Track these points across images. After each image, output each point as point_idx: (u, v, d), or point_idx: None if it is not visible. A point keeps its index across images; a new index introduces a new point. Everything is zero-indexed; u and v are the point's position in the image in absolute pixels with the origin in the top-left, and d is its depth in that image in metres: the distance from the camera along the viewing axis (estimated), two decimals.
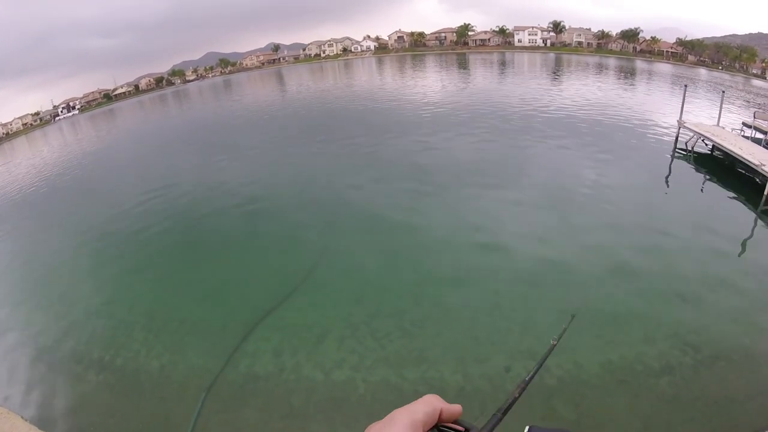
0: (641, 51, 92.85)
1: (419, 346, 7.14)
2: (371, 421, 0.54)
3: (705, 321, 7.22)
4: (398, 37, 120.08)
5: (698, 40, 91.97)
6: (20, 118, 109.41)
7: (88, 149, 37.16)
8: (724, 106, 17.64)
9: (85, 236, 14.26)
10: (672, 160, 16.05)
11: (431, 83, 44.35)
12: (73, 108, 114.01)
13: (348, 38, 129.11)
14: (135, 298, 9.90)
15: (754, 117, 17.17)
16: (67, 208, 18.40)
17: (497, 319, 7.56)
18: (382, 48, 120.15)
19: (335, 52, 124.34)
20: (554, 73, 51.97)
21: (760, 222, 11.04)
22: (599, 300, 7.93)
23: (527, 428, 0.61)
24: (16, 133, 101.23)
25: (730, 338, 6.76)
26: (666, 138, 18.61)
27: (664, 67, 69.51)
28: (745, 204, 12.12)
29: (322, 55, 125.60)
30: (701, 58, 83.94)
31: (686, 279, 8.49)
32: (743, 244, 9.91)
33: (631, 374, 6.02)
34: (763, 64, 73.60)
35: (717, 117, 17.31)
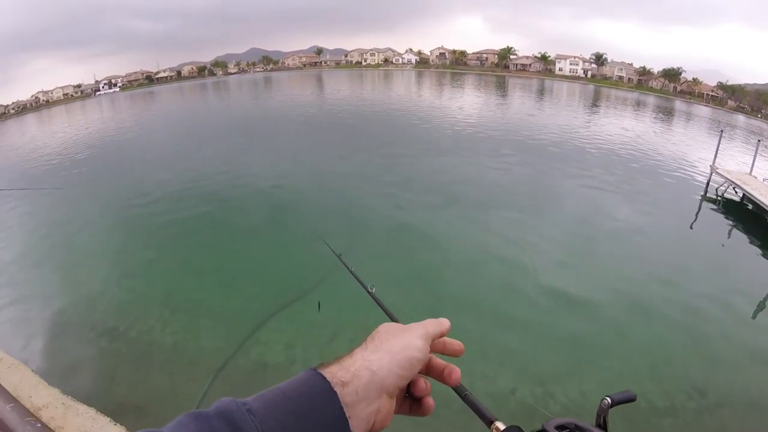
0: (681, 91, 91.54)
1: None
2: None
3: (714, 368, 7.14)
4: (440, 53, 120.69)
5: (739, 85, 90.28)
6: (62, 87, 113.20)
7: (126, 126, 38.45)
8: (759, 155, 17.32)
9: (114, 210, 14.81)
10: (701, 205, 15.82)
11: (469, 103, 44.47)
12: (115, 85, 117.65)
13: (390, 49, 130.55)
14: (155, 274, 10.22)
15: None
16: (99, 180, 19.10)
17: (508, 339, 7.60)
18: (423, 62, 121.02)
19: (376, 62, 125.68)
20: (592, 105, 51.62)
21: None
22: (610, 334, 7.91)
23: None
24: (56, 102, 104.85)
25: (737, 388, 6.67)
26: (697, 181, 18.37)
27: (703, 110, 68.37)
28: None
29: (363, 63, 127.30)
30: (741, 104, 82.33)
31: (701, 324, 8.39)
32: (763, 299, 9.73)
33: (635, 411, 5.98)
34: None
35: (750, 165, 17.02)
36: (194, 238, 12.21)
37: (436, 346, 0.73)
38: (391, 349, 0.64)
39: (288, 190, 15.94)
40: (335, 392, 0.57)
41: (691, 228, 13.87)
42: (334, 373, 0.60)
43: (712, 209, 15.52)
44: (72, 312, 8.82)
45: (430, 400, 0.72)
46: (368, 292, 1.52)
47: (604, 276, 10.04)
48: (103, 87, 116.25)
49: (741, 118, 67.47)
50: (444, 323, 0.74)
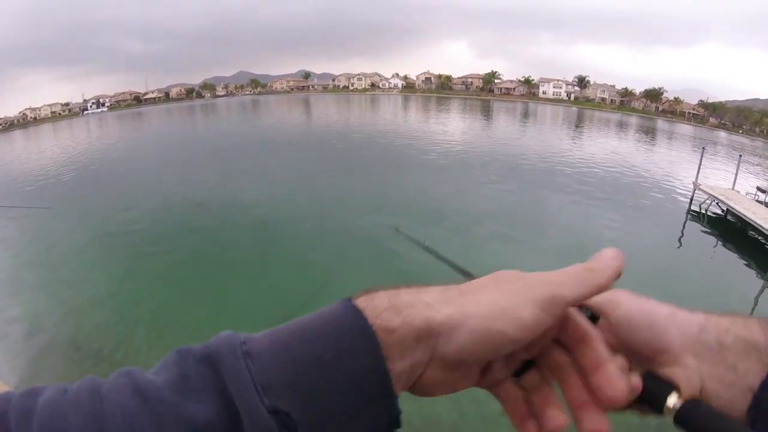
0: (663, 111, 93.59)
1: None
2: None
3: None
4: (426, 78, 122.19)
5: (720, 102, 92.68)
6: (50, 105, 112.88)
7: (115, 145, 38.52)
8: (741, 170, 17.69)
9: (102, 230, 14.57)
10: (685, 221, 16.08)
11: (454, 128, 45.01)
12: (103, 105, 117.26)
13: (377, 74, 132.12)
14: (142, 296, 9.98)
15: None
16: (88, 200, 18.89)
17: None
18: (409, 87, 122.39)
19: (363, 86, 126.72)
20: (576, 127, 52.61)
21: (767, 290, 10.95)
22: None
23: None
24: (43, 120, 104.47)
25: None
26: (681, 198, 18.72)
27: (685, 129, 70.04)
28: (754, 269, 12.04)
29: (351, 87, 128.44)
30: (722, 121, 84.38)
31: None
32: (750, 312, 9.83)
33: (615, 427, 5.96)
34: None
35: (732, 180, 17.39)
36: (182, 262, 11.95)
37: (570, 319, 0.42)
38: (470, 311, 0.38)
39: (278, 209, 15.94)
40: (374, 334, 0.37)
41: (678, 244, 14.06)
42: (378, 310, 0.38)
43: (696, 225, 15.81)
44: (56, 333, 8.60)
45: (561, 416, 0.41)
46: (425, 247, 1.43)
47: None
48: (91, 106, 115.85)
49: (722, 135, 69.07)
50: (602, 271, 0.40)
